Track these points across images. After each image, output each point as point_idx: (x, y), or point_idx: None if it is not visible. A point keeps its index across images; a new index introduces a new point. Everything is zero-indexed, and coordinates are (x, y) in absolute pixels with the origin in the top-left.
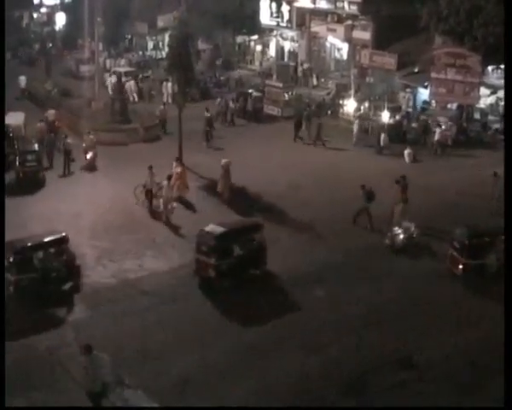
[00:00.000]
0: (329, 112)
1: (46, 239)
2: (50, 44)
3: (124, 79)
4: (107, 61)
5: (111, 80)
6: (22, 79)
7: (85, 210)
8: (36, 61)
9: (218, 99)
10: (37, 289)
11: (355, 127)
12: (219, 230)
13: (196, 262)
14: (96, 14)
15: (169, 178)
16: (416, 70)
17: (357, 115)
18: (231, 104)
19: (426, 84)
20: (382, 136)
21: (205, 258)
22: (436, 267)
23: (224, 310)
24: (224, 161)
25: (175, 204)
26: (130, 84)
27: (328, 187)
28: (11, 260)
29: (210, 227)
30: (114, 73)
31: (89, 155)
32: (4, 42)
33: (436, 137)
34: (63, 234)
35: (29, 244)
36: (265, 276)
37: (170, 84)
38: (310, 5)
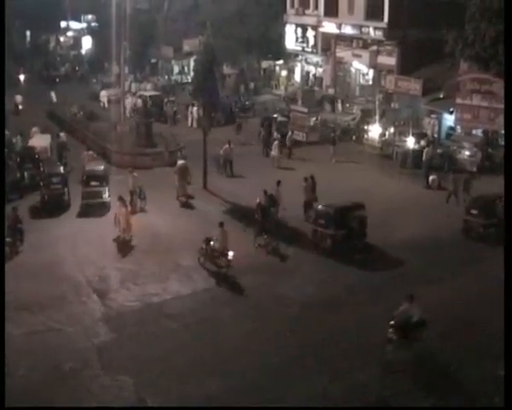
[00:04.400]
0: (354, 137)
1: (350, 205)
2: (77, 68)
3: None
4: (133, 85)
5: (131, 101)
6: (18, 97)
7: (110, 232)
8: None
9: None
10: (346, 243)
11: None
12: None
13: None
14: (122, 37)
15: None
16: (442, 96)
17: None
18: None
19: (451, 109)
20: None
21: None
22: None
23: (247, 334)
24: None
25: None
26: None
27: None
28: (330, 218)
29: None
30: (141, 96)
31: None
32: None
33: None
34: (361, 202)
35: (343, 207)
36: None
37: (195, 108)
38: (335, 30)
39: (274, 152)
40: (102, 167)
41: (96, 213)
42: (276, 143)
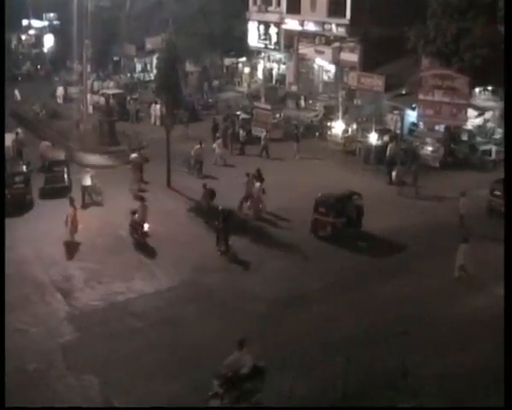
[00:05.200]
0: (317, 134)
1: (348, 193)
2: (39, 66)
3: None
4: (95, 83)
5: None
6: None
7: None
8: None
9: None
10: (342, 231)
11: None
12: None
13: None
14: (85, 35)
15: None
16: (404, 92)
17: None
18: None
19: (413, 105)
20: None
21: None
22: None
23: (213, 332)
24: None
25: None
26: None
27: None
28: (330, 207)
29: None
30: (103, 95)
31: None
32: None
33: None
34: (358, 191)
35: (342, 195)
36: None
37: (158, 106)
38: (298, 27)
39: (218, 149)
40: (63, 155)
41: (58, 213)
42: (219, 141)
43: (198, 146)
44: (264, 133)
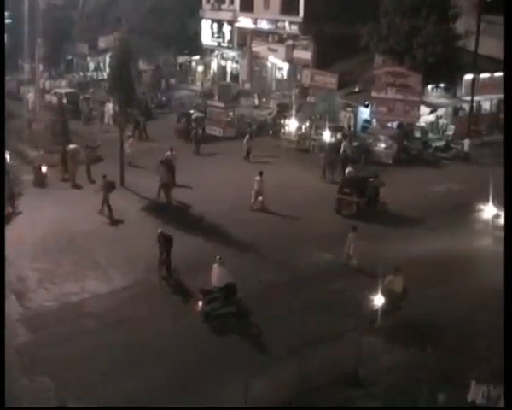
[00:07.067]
0: (271, 132)
1: (368, 175)
2: None
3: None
4: (47, 82)
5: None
6: None
7: (26, 232)
8: None
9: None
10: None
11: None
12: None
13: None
14: (36, 34)
15: None
16: (357, 89)
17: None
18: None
19: (367, 103)
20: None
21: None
22: None
23: (167, 332)
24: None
25: None
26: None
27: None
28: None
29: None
30: (56, 94)
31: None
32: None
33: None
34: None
35: (364, 176)
36: None
37: (111, 105)
38: (251, 25)
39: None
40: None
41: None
42: (131, 140)
43: (168, 153)
44: (248, 136)
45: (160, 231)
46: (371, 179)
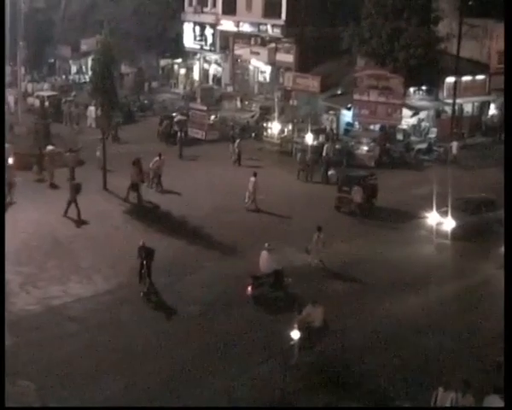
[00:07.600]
0: (253, 134)
1: (366, 174)
2: None
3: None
4: (29, 85)
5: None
6: None
7: (9, 235)
8: None
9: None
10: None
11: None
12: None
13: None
14: (19, 37)
15: None
16: (340, 92)
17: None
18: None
19: (349, 105)
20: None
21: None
22: None
23: (149, 335)
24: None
25: None
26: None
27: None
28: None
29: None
30: (38, 97)
31: None
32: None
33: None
34: (373, 171)
35: (362, 176)
36: None
37: (93, 108)
38: (233, 28)
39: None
40: None
41: None
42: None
43: (157, 158)
44: (238, 140)
45: (141, 243)
46: (369, 178)
